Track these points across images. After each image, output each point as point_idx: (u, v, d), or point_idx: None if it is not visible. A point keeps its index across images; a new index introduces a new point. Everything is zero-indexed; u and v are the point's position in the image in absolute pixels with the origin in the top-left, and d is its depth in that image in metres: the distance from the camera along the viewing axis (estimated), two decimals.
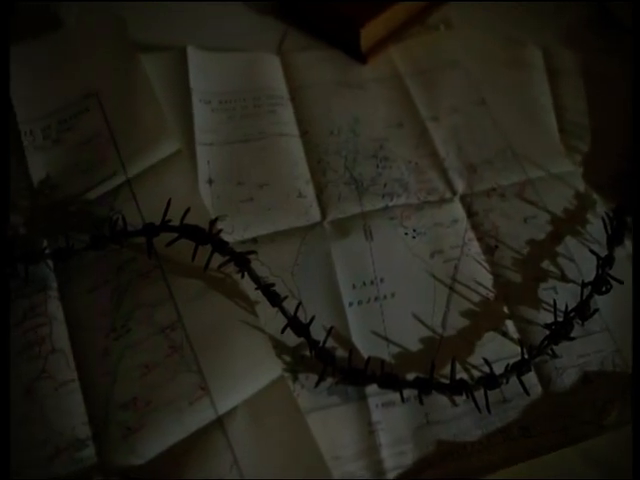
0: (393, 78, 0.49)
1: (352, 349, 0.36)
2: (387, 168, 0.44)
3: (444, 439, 0.34)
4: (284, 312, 0.35)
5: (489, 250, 0.41)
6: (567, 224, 0.42)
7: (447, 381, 0.35)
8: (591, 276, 0.38)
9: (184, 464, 0.32)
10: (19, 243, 0.38)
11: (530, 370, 0.35)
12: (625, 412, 0.35)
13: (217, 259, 0.36)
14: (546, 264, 0.40)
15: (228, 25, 0.52)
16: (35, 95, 0.44)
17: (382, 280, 0.39)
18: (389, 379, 0.34)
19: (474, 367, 0.36)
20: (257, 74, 0.48)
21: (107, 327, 0.36)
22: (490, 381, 0.34)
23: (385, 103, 0.48)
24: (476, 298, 0.39)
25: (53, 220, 0.39)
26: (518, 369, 0.35)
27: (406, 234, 0.41)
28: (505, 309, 0.38)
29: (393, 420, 0.34)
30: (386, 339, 0.37)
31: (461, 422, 0.35)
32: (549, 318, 0.37)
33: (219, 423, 0.33)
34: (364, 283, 0.39)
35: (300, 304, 0.36)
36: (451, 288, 0.39)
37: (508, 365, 0.35)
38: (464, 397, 0.35)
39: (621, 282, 0.38)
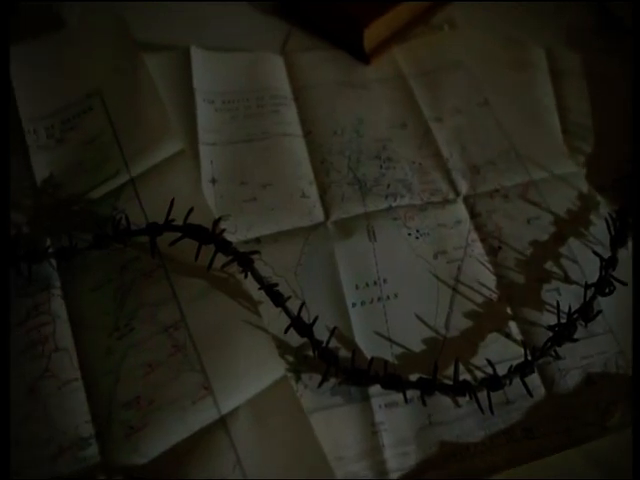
0: (396, 78, 0.49)
1: (355, 349, 0.36)
2: (390, 168, 0.44)
3: (447, 440, 0.34)
4: (287, 312, 0.35)
5: (492, 251, 0.41)
6: (570, 225, 0.42)
7: (450, 382, 0.35)
8: (594, 277, 0.38)
9: (187, 463, 0.32)
10: (23, 242, 0.38)
11: (533, 371, 0.35)
12: (628, 414, 0.35)
13: (220, 259, 0.36)
14: (549, 265, 0.40)
15: (232, 25, 0.52)
16: (38, 94, 0.44)
17: (385, 281, 0.39)
18: (392, 380, 0.34)
19: (477, 368, 0.36)
20: (260, 74, 0.48)
21: (110, 326, 0.36)
22: (493, 382, 0.34)
23: (388, 103, 0.48)
24: (479, 299, 0.39)
25: (56, 219, 0.39)
26: (521, 370, 0.35)
27: (409, 235, 0.41)
28: (508, 310, 0.38)
29: (396, 421, 0.34)
30: (389, 340, 0.37)
31: (464, 423, 0.35)
32: (552, 319, 0.37)
33: (222, 423, 0.33)
34: (367, 284, 0.39)
35: (303, 304, 0.36)
36: (454, 289, 0.39)
37: (511, 366, 0.35)
38: (467, 398, 0.35)
39: (624, 284, 0.38)
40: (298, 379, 0.35)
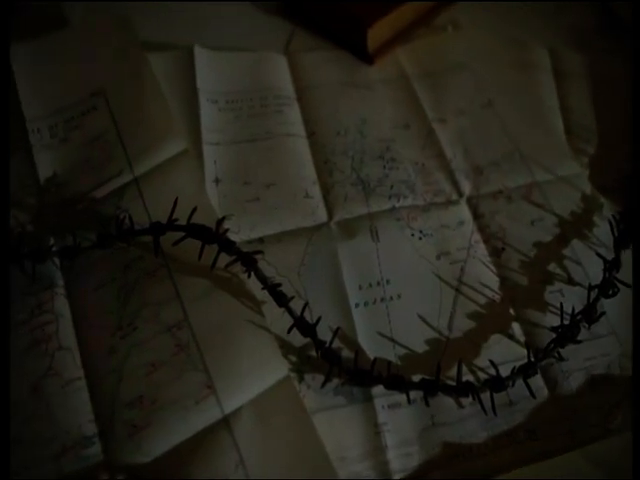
0: (400, 79, 0.49)
1: (358, 350, 0.36)
2: (394, 169, 0.44)
3: (450, 441, 0.34)
4: (291, 312, 0.35)
5: (495, 252, 0.41)
6: (574, 227, 0.42)
7: (453, 383, 0.35)
8: (598, 279, 0.38)
9: (190, 463, 0.32)
10: (26, 241, 0.38)
11: (536, 373, 0.35)
12: (632, 416, 0.35)
13: (224, 258, 0.36)
14: (553, 267, 0.40)
15: (235, 25, 0.52)
16: (42, 93, 0.44)
17: (388, 281, 0.39)
18: (395, 380, 0.34)
19: (480, 369, 0.36)
20: (264, 74, 0.48)
21: (113, 325, 0.36)
22: (496, 383, 0.34)
23: (392, 104, 0.48)
24: (482, 300, 0.39)
25: (60, 218, 0.39)
26: (524, 372, 0.35)
27: (412, 235, 0.41)
28: (511, 311, 0.38)
29: (399, 421, 0.34)
30: (392, 340, 0.37)
31: (467, 424, 0.35)
32: (555, 321, 0.37)
33: (225, 422, 0.33)
34: (370, 284, 0.39)
35: (307, 304, 0.36)
36: (457, 290, 0.39)
37: (514, 368, 0.35)
38: (470, 399, 0.35)
39: (628, 286, 0.38)
40: (301, 379, 0.35)
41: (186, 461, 0.32)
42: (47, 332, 0.35)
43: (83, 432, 0.33)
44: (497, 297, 0.39)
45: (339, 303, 0.38)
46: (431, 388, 0.34)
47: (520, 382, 0.35)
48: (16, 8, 0.50)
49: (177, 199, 0.37)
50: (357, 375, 0.35)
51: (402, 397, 0.35)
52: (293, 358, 0.36)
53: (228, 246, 0.36)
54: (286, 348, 0.36)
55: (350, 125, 0.46)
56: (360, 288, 0.38)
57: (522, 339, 0.37)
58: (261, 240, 0.40)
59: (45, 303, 0.36)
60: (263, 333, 0.36)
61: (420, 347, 0.37)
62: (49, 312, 0.36)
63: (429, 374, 0.35)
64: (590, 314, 0.37)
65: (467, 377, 0.35)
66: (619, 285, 0.38)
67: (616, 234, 0.40)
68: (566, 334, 0.36)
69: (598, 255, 0.39)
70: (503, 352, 0.37)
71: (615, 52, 0.52)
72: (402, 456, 0.34)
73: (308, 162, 0.44)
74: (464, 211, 0.42)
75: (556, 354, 0.36)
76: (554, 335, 0.36)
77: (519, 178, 0.44)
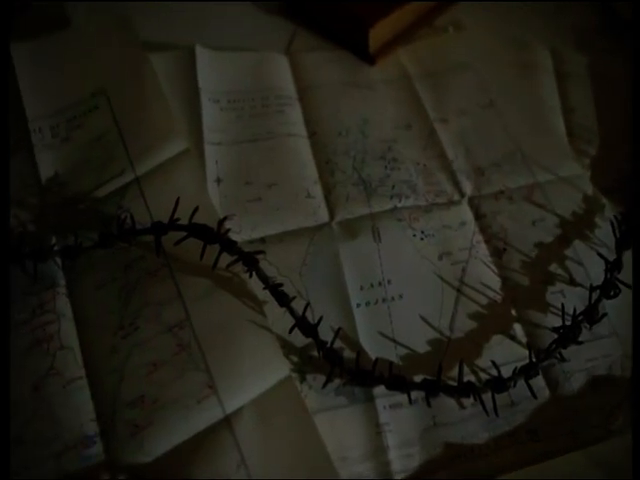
0: (402, 79, 0.49)
1: (360, 350, 0.36)
2: (395, 169, 0.44)
3: (451, 441, 0.34)
4: (292, 312, 0.35)
5: (497, 253, 0.41)
6: (575, 227, 0.42)
7: (455, 383, 0.34)
8: (599, 280, 0.38)
9: (191, 462, 0.32)
10: (28, 240, 0.38)
11: (538, 374, 0.35)
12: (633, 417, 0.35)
13: (225, 258, 0.36)
14: (554, 267, 0.40)
15: (237, 25, 0.52)
16: (44, 93, 0.44)
17: (390, 282, 0.39)
18: (397, 381, 0.34)
19: (482, 370, 0.36)
20: (266, 74, 0.48)
21: (115, 325, 0.36)
22: (498, 384, 0.34)
23: (393, 104, 0.48)
24: (484, 301, 0.39)
25: (62, 218, 0.39)
26: (526, 372, 0.35)
27: (414, 236, 0.41)
28: (513, 312, 0.38)
29: (401, 422, 0.34)
30: (394, 341, 0.37)
31: (469, 425, 0.35)
32: (557, 322, 0.37)
33: (226, 422, 0.33)
34: (372, 284, 0.39)
35: (308, 304, 0.36)
36: (459, 290, 0.39)
37: (516, 368, 0.35)
38: (472, 400, 0.35)
39: (630, 287, 0.38)
40: (302, 379, 0.35)
41: (187, 461, 0.32)
42: (48, 332, 0.35)
43: (84, 432, 0.33)
44: (498, 297, 0.39)
45: (341, 303, 0.38)
46: (432, 388, 0.34)
47: (522, 383, 0.35)
48: (18, 8, 0.50)
49: (179, 199, 0.37)
50: (358, 375, 0.35)
51: (403, 397, 0.35)
52: (294, 358, 0.36)
53: (229, 246, 0.36)
54: (287, 348, 0.36)
55: (352, 125, 0.46)
56: (362, 288, 0.38)
57: (523, 340, 0.37)
58: (263, 240, 0.40)
59: (47, 303, 0.36)
60: (264, 333, 0.36)
61: (421, 347, 0.37)
62: (51, 312, 0.36)
63: (430, 374, 0.35)
64: (591, 315, 0.37)
65: (468, 377, 0.35)
66: (620, 286, 0.38)
67: (618, 235, 0.40)
68: (567, 335, 0.36)
69: (600, 256, 0.39)
70: (504, 353, 0.37)
71: (616, 52, 0.52)
72: (403, 457, 0.34)
73: (310, 162, 0.44)
74: (466, 211, 0.42)
75: (557, 355, 0.36)
76: (555, 336, 0.36)
77: (520, 179, 0.44)
